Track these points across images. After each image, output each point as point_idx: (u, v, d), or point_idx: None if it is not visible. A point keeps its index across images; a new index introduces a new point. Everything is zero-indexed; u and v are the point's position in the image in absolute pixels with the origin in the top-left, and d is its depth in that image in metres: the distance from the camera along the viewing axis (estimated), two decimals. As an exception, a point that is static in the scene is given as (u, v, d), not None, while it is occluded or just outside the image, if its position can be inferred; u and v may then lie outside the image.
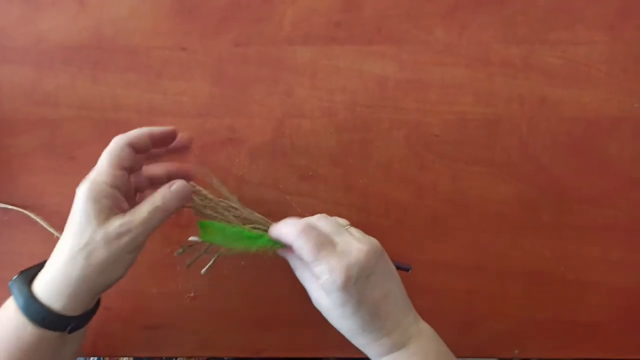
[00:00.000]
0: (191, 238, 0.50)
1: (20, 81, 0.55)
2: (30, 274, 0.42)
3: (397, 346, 0.43)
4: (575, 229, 0.54)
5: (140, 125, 0.54)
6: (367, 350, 0.44)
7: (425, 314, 0.49)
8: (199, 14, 0.55)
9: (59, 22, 0.55)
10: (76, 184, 0.53)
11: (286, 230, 0.43)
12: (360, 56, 0.55)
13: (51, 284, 0.40)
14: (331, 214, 0.53)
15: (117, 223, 0.40)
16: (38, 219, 0.52)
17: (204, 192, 0.47)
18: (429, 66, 0.55)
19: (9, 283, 0.41)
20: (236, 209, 0.48)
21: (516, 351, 0.53)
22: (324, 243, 0.42)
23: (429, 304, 0.51)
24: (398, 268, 0.50)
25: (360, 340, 0.44)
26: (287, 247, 0.44)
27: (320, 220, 0.45)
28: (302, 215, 0.48)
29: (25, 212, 0.53)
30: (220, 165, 0.54)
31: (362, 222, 0.54)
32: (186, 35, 0.55)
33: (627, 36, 0.55)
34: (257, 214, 0.48)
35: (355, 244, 0.42)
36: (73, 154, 0.54)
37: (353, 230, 0.46)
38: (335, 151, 0.54)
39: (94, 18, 0.55)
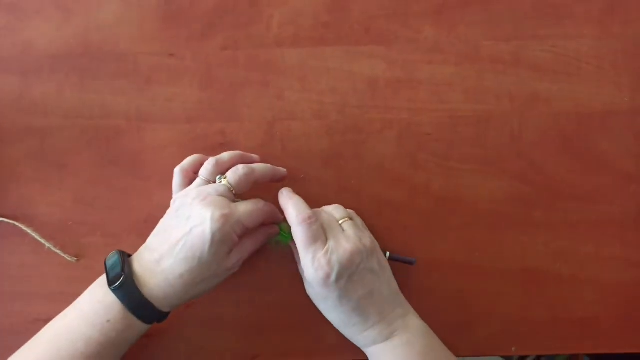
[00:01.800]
0: None
1: (7, 90, 0.54)
2: (124, 277, 0.43)
3: (382, 338, 0.45)
4: (568, 225, 0.54)
5: (130, 133, 0.54)
6: (354, 340, 0.48)
7: (421, 314, 0.49)
8: (185, 19, 0.55)
9: (45, 31, 0.55)
10: (66, 193, 0.53)
11: (291, 211, 0.46)
12: (349, 57, 0.55)
13: (164, 298, 0.44)
14: None
15: (235, 259, 0.45)
16: (29, 230, 0.52)
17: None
18: (418, 65, 0.54)
19: (111, 288, 0.43)
20: None
21: (513, 348, 0.53)
22: (317, 237, 0.44)
23: (424, 304, 0.50)
24: (402, 262, 0.51)
25: (346, 331, 0.47)
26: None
27: (324, 213, 0.48)
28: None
29: (16, 223, 0.52)
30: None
31: (355, 224, 0.54)
32: (173, 40, 0.55)
33: (616, 30, 0.55)
34: None
35: (343, 243, 0.45)
36: (62, 163, 0.54)
37: (349, 225, 0.47)
38: (327, 153, 0.54)
39: (80, 25, 0.55)
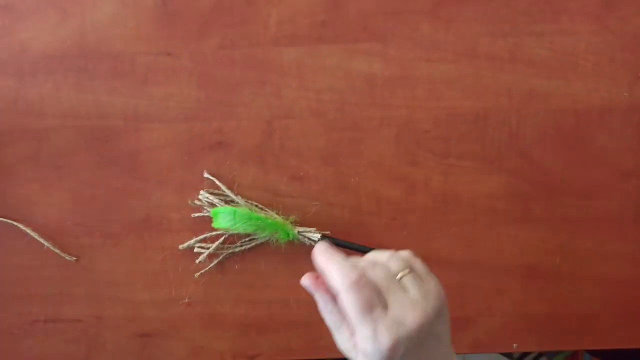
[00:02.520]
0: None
1: (3, 92, 0.54)
2: None
3: None
4: (567, 222, 0.54)
5: (127, 133, 0.53)
6: None
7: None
8: (182, 18, 0.54)
9: (41, 31, 0.54)
10: (64, 194, 0.53)
11: (335, 275, 0.37)
12: (346, 55, 0.54)
13: None
14: (324, 214, 0.53)
15: None
16: (28, 230, 0.52)
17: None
18: (416, 62, 0.54)
19: None
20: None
21: (515, 345, 0.53)
22: (375, 304, 0.36)
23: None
24: None
25: None
26: (315, 276, 0.40)
27: (378, 267, 0.38)
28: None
29: (15, 223, 0.52)
30: (209, 170, 0.54)
31: (355, 221, 0.54)
32: (170, 39, 0.55)
33: (613, 26, 0.55)
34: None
35: (409, 310, 0.37)
36: (60, 164, 0.54)
37: (412, 282, 0.38)
38: (326, 151, 0.54)
39: (76, 26, 0.54)
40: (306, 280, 0.40)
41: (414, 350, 0.37)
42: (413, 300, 0.37)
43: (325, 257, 0.39)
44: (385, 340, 0.35)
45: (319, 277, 0.39)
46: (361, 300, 0.36)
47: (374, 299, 0.36)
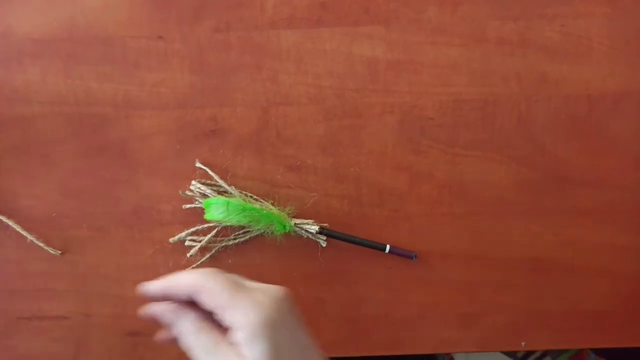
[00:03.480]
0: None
1: (-13, 78, 0.52)
2: None
3: None
4: (579, 213, 0.53)
5: (117, 120, 0.51)
6: None
7: (425, 307, 0.47)
8: (175, 1, 0.52)
9: (27, 14, 0.52)
10: (50, 185, 0.52)
11: (185, 278, 0.35)
12: (347, 38, 0.52)
13: None
14: (323, 205, 0.52)
15: None
16: (11, 223, 0.50)
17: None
18: (420, 46, 0.52)
19: None
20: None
21: (523, 343, 0.51)
22: (237, 284, 0.35)
23: (429, 297, 0.49)
24: (402, 256, 0.51)
25: None
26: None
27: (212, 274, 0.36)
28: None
29: None
30: (203, 159, 0.52)
31: (356, 214, 0.53)
32: (163, 23, 0.53)
33: (629, 7, 0.52)
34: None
35: (270, 286, 0.36)
36: (46, 152, 0.52)
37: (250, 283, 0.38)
38: (325, 139, 0.52)
39: (64, 8, 0.52)
40: (162, 308, 0.35)
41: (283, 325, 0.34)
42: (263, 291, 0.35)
43: (159, 285, 0.35)
44: (265, 303, 0.34)
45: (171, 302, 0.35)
46: (224, 283, 0.34)
47: (234, 282, 0.35)
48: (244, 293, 0.34)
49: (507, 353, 0.97)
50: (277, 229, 0.49)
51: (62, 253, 0.51)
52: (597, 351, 0.93)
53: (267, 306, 0.34)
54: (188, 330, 0.34)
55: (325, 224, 0.51)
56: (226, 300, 0.33)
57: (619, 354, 0.91)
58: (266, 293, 0.35)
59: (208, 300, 0.34)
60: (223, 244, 0.52)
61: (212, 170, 0.52)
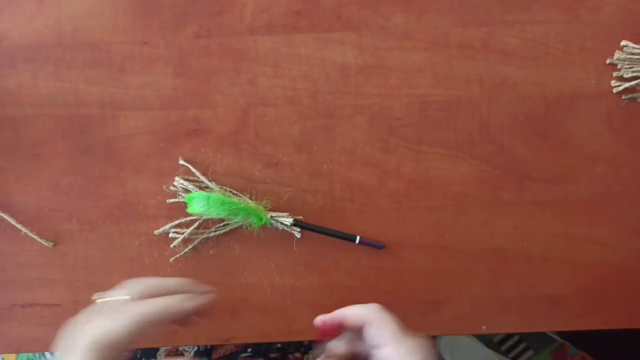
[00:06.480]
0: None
1: (-19, 81, 0.55)
2: None
3: None
4: (537, 206, 0.55)
5: (104, 121, 0.54)
6: None
7: (392, 294, 0.50)
8: (158, 8, 0.55)
9: (17, 22, 0.55)
10: (41, 182, 0.54)
11: (358, 309, 0.41)
12: (321, 44, 0.55)
13: None
14: (298, 200, 0.55)
15: None
16: (5, 216, 0.52)
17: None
18: (388, 51, 0.55)
19: None
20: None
21: (483, 327, 0.54)
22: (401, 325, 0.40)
23: (396, 284, 0.51)
24: (371, 246, 0.53)
25: None
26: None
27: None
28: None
29: (-7, 211, 0.53)
30: (185, 157, 0.55)
31: (328, 207, 0.55)
32: (146, 29, 0.55)
33: (584, 15, 0.55)
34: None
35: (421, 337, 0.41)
36: (37, 152, 0.54)
37: None
38: (300, 138, 0.55)
39: (52, 16, 0.55)
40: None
41: None
42: None
43: (335, 314, 0.41)
44: (425, 345, 0.39)
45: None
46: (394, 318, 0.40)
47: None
48: (410, 336, 0.39)
49: (490, 347, 0.97)
50: (254, 221, 0.51)
51: (54, 245, 0.54)
52: (578, 345, 0.94)
53: (425, 351, 0.38)
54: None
55: (299, 217, 0.54)
56: (393, 337, 0.39)
57: (599, 346, 0.92)
58: (420, 341, 0.40)
59: (375, 332, 0.39)
60: (205, 236, 0.54)
61: (194, 167, 0.54)
